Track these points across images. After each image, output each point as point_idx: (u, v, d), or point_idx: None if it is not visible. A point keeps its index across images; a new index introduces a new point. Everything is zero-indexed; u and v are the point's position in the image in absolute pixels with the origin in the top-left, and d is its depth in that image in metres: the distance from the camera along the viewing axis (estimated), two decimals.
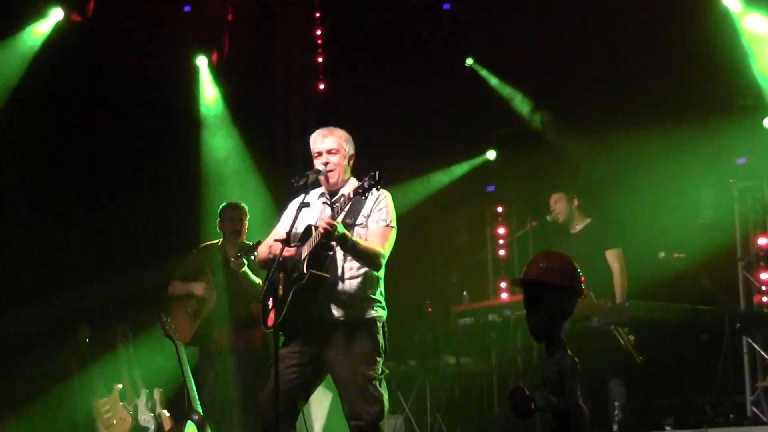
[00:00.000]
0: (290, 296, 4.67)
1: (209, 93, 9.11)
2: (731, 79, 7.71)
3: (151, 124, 8.50)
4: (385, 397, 4.73)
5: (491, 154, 9.57)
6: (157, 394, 7.24)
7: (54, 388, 7.65)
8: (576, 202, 7.50)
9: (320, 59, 9.75)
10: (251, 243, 6.29)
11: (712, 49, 7.70)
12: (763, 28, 7.76)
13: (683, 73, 7.94)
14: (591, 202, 7.65)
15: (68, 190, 8.22)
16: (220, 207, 6.95)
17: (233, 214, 6.84)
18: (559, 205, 7.53)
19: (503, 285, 9.28)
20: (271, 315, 4.75)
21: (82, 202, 8.24)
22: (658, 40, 8.00)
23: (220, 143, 9.09)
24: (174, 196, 8.51)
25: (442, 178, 9.59)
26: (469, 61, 9.44)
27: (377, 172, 4.52)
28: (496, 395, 9.11)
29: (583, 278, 4.15)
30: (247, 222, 6.87)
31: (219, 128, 9.10)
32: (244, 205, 6.94)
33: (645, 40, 8.08)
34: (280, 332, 4.73)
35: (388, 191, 4.86)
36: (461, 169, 9.58)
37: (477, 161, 9.60)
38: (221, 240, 6.89)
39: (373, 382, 4.70)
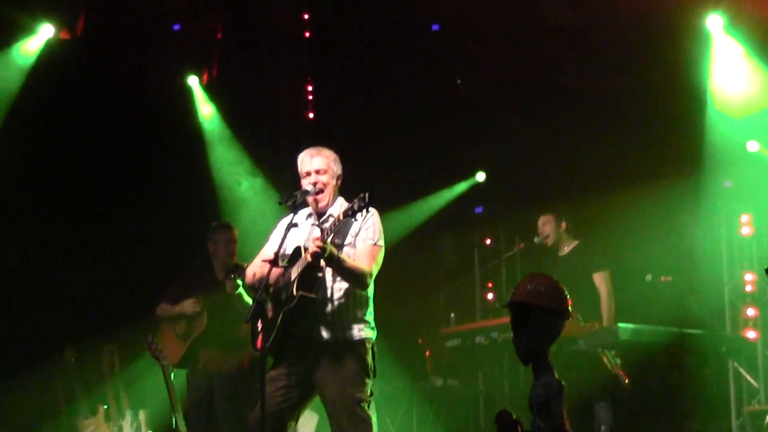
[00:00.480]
0: (280, 318, 4.66)
1: (205, 110, 9.10)
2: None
3: (144, 142, 8.46)
4: (374, 419, 4.71)
5: (480, 176, 9.59)
6: (142, 415, 7.19)
7: (39, 409, 7.58)
8: (564, 224, 7.48)
9: (309, 77, 9.78)
10: (244, 264, 6.25)
11: (694, 73, 7.78)
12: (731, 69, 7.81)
13: (670, 98, 7.99)
14: (579, 224, 7.65)
15: (56, 212, 8.17)
16: (211, 227, 6.88)
17: (230, 235, 6.77)
18: (547, 227, 7.51)
19: (490, 296, 9.30)
20: (261, 336, 4.74)
21: (68, 222, 8.20)
22: (641, 60, 8.05)
23: (220, 158, 9.08)
24: (168, 214, 8.42)
25: (434, 200, 9.60)
26: (459, 82, 9.48)
27: (366, 194, 4.51)
28: (483, 418, 9.07)
29: (570, 300, 4.16)
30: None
31: (218, 143, 9.09)
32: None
33: (629, 60, 8.12)
34: (269, 354, 4.72)
35: (379, 214, 4.86)
36: (459, 188, 9.57)
37: (466, 183, 9.62)
38: (210, 260, 6.84)
39: (362, 404, 4.68)
